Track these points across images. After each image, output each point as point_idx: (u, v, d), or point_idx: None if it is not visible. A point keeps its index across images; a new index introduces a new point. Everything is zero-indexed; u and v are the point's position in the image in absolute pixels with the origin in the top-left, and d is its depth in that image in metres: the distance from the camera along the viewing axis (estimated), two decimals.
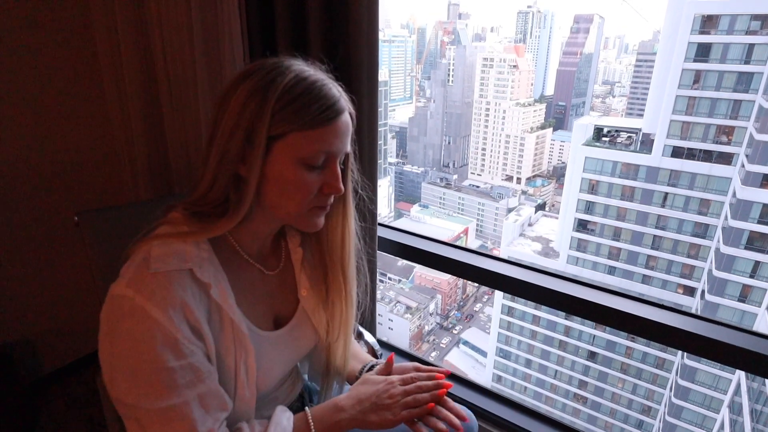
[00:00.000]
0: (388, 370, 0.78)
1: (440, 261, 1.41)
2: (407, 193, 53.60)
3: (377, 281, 1.38)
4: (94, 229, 0.98)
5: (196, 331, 0.60)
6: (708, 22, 17.95)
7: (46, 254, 1.73)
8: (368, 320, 1.27)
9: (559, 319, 20.86)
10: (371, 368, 0.85)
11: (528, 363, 22.62)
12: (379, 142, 1.25)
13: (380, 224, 1.36)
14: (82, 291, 1.85)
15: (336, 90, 0.65)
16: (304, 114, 0.61)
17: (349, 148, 0.69)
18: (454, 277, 32.52)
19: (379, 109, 1.24)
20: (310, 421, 0.69)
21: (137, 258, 0.60)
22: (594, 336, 20.21)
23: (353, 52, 1.12)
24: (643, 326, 1.10)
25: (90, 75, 1.67)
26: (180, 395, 0.57)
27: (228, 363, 0.65)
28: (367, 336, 1.14)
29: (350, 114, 0.67)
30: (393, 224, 1.58)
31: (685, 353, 16.48)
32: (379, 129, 1.27)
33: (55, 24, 1.57)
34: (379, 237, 1.34)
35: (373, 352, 1.12)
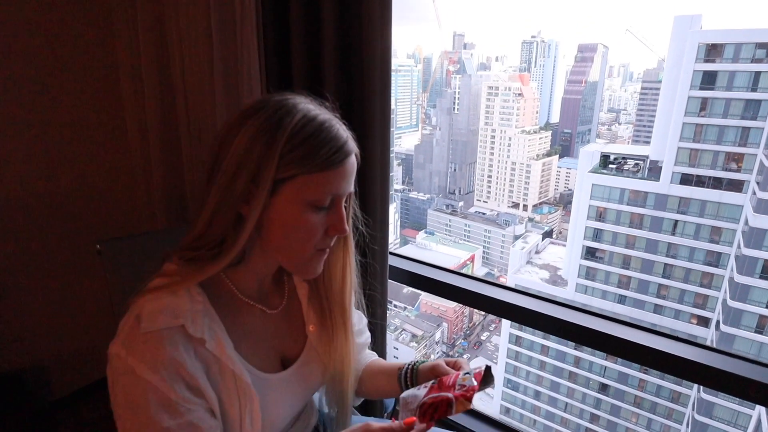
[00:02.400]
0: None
1: (450, 290, 1.41)
2: (413, 220, 53.69)
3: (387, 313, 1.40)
4: (115, 257, 1.01)
5: (193, 388, 0.59)
6: (713, 51, 18.13)
7: (60, 281, 1.78)
8: (382, 347, 1.33)
9: (568, 349, 20.44)
10: (412, 368, 0.82)
11: (537, 395, 22.09)
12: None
13: (391, 253, 1.36)
14: (94, 317, 1.85)
15: (343, 131, 0.65)
16: (314, 157, 0.60)
17: (352, 188, 0.68)
18: (460, 305, 32.24)
19: None
20: None
21: (131, 315, 0.59)
22: (605, 367, 19.75)
23: (367, 84, 1.14)
24: (656, 358, 1.09)
25: (113, 110, 1.76)
26: None
27: (232, 414, 0.64)
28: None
29: (356, 155, 0.67)
30: (400, 251, 1.52)
31: (701, 387, 16.09)
32: None
33: (82, 64, 1.68)
34: (389, 266, 1.35)
35: None
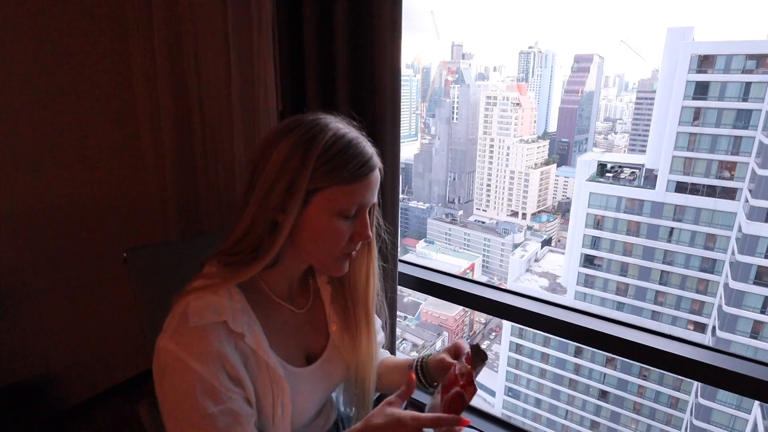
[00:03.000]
0: (408, 393, 0.73)
1: (454, 293, 1.44)
2: (413, 229, 53.66)
3: (396, 317, 1.42)
4: (140, 265, 1.03)
5: (234, 378, 0.64)
6: (705, 62, 18.39)
7: (73, 290, 1.79)
8: (392, 344, 1.33)
9: (568, 357, 20.49)
10: (421, 364, 0.87)
11: (538, 403, 22.07)
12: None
13: (400, 260, 1.40)
14: (107, 326, 1.90)
15: (369, 148, 0.71)
16: (342, 171, 0.66)
17: (375, 199, 0.75)
18: (461, 314, 32.18)
19: None
20: None
21: (177, 312, 0.65)
22: (605, 374, 19.78)
23: (378, 94, 1.19)
24: (654, 356, 1.10)
25: (128, 122, 1.79)
26: None
27: (266, 404, 0.69)
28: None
29: (380, 169, 0.73)
30: (404, 258, 1.64)
31: (699, 394, 16.13)
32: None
33: (99, 76, 1.70)
34: (399, 272, 1.38)
35: None
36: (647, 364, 1.15)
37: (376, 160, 0.71)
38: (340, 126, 0.70)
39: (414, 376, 0.76)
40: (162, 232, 1.80)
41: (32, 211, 1.63)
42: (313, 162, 0.65)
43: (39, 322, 1.72)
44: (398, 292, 1.44)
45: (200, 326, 0.63)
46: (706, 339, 18.22)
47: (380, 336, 0.96)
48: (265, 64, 1.27)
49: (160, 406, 0.63)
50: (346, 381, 0.89)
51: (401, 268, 1.47)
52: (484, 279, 40.37)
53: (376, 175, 0.72)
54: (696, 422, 16.63)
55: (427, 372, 0.85)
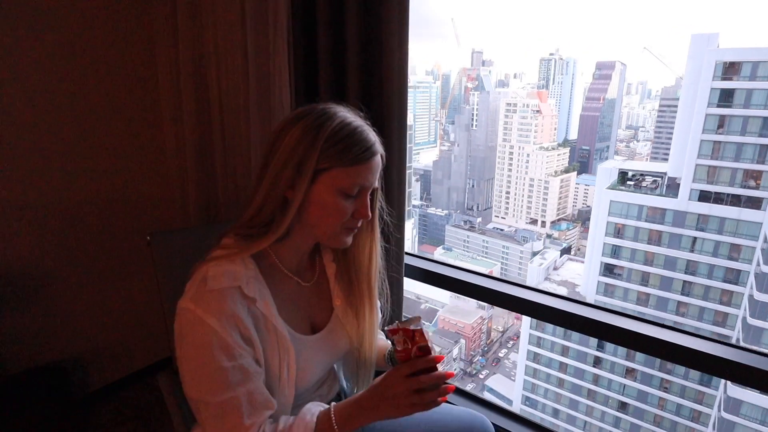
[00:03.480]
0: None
1: (464, 286, 1.49)
2: (431, 236, 53.46)
3: (403, 297, 1.47)
4: (163, 248, 1.09)
5: (245, 338, 0.72)
6: (730, 69, 18.11)
7: (98, 277, 1.89)
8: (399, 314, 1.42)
9: (587, 366, 20.18)
10: (391, 355, 0.97)
11: (555, 413, 21.77)
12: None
13: (408, 253, 1.48)
14: (131, 312, 2.00)
15: (372, 135, 0.79)
16: (346, 154, 0.75)
17: (377, 183, 0.83)
18: (478, 322, 31.98)
19: None
20: (332, 415, 0.76)
21: (197, 278, 0.73)
22: (624, 386, 19.46)
23: (386, 100, 1.27)
24: (680, 354, 1.11)
25: (153, 120, 1.91)
26: (232, 391, 0.69)
27: (273, 365, 0.77)
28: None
29: (381, 156, 0.81)
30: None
31: (722, 408, 15.74)
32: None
33: (127, 79, 1.83)
34: (406, 264, 1.44)
35: None
36: (672, 361, 1.14)
37: (378, 147, 0.79)
38: (347, 114, 0.79)
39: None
40: (182, 223, 1.92)
41: (58, 202, 1.73)
42: (321, 144, 0.73)
43: (66, 308, 1.82)
44: (416, 298, 1.47)
45: (217, 289, 0.70)
46: None
47: (379, 316, 1.01)
48: (280, 68, 1.36)
49: (178, 364, 0.71)
50: (348, 354, 0.95)
51: (413, 261, 1.56)
52: None
53: (378, 160, 0.79)
54: None
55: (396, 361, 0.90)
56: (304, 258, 0.89)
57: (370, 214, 0.82)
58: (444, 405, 0.87)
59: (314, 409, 0.78)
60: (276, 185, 0.75)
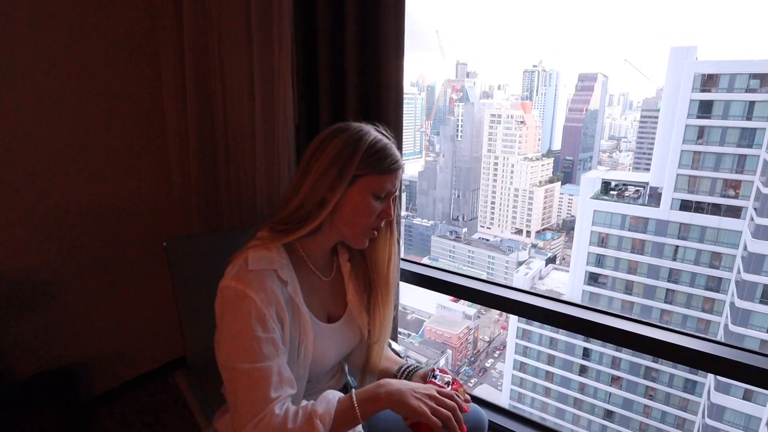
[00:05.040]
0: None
1: (453, 288, 1.61)
2: (417, 246, 53.51)
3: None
4: (178, 254, 1.17)
5: (279, 315, 0.82)
6: (708, 81, 18.49)
7: (104, 284, 1.93)
8: (394, 328, 1.45)
9: (573, 375, 20.30)
10: (408, 370, 1.03)
11: (542, 422, 21.74)
12: None
13: (403, 259, 1.59)
14: (137, 318, 2.05)
15: (397, 152, 0.93)
16: (381, 163, 0.88)
17: (398, 191, 0.95)
18: (465, 332, 31.95)
19: None
20: (353, 395, 0.82)
21: (238, 262, 0.83)
22: (610, 394, 19.57)
23: (383, 113, 1.36)
24: (665, 349, 1.20)
25: (158, 133, 1.96)
26: (264, 360, 0.78)
27: (292, 345, 0.86)
28: (394, 345, 1.30)
29: (402, 168, 0.94)
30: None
31: (706, 415, 15.87)
32: None
33: (133, 96, 1.89)
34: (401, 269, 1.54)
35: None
36: (659, 356, 1.22)
37: (402, 162, 0.93)
38: (378, 133, 0.92)
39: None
40: (184, 230, 1.94)
41: (64, 208, 1.77)
42: (361, 154, 0.86)
43: (72, 312, 1.86)
44: (402, 308, 1.53)
45: (257, 270, 0.81)
46: None
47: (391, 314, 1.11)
48: (284, 81, 1.43)
49: (217, 340, 0.80)
50: (358, 349, 1.06)
51: (404, 265, 1.64)
52: None
53: (401, 172, 0.94)
54: None
55: (411, 379, 1.00)
56: (325, 255, 1.00)
57: (393, 215, 0.95)
58: None
59: (335, 393, 0.85)
60: (317, 187, 0.86)
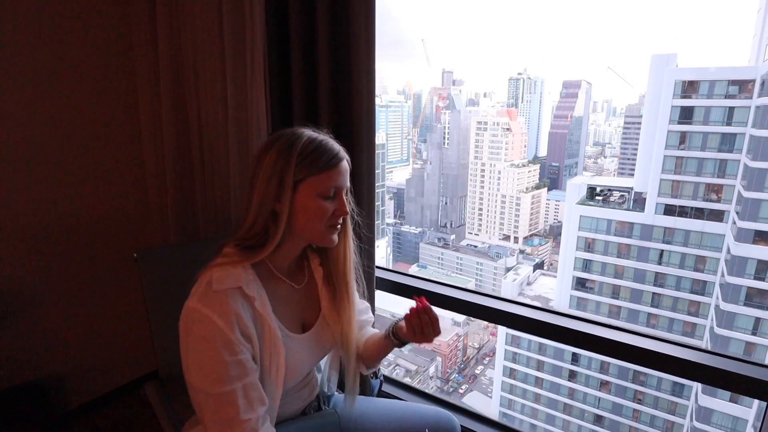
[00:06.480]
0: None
1: (440, 299, 1.57)
2: (405, 254, 53.50)
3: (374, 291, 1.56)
4: (149, 264, 1.18)
5: (245, 335, 0.81)
6: (689, 87, 18.86)
7: (77, 296, 1.89)
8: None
9: (562, 381, 20.36)
10: (393, 327, 1.06)
11: (533, 429, 21.79)
12: (377, 203, 1.45)
13: (378, 267, 1.56)
14: (111, 330, 2.00)
15: (335, 145, 0.92)
16: (317, 164, 0.87)
17: (348, 184, 0.94)
18: (454, 339, 31.94)
19: (377, 171, 1.44)
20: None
21: (203, 281, 0.82)
22: (599, 399, 19.66)
23: (355, 119, 1.37)
24: (653, 359, 1.17)
25: (132, 141, 1.94)
26: (230, 384, 0.77)
27: (264, 362, 0.85)
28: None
29: (347, 160, 0.93)
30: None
31: (694, 418, 15.98)
32: (377, 190, 1.49)
33: (104, 104, 1.86)
34: (377, 278, 1.54)
35: None
36: (647, 367, 1.20)
37: (343, 154, 0.92)
38: (312, 133, 0.91)
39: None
40: (161, 240, 1.95)
41: (37, 220, 1.74)
42: (294, 160, 0.86)
43: (44, 326, 1.83)
44: (390, 316, 1.52)
45: (222, 290, 0.80)
46: None
47: (366, 316, 1.16)
48: (257, 92, 1.44)
49: (182, 359, 0.79)
50: (335, 351, 1.08)
51: (384, 275, 1.65)
52: None
53: (345, 165, 0.92)
54: None
55: (398, 335, 1.05)
56: (293, 263, 0.99)
57: (348, 210, 0.94)
58: (413, 404, 1.17)
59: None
60: (264, 201, 0.86)
